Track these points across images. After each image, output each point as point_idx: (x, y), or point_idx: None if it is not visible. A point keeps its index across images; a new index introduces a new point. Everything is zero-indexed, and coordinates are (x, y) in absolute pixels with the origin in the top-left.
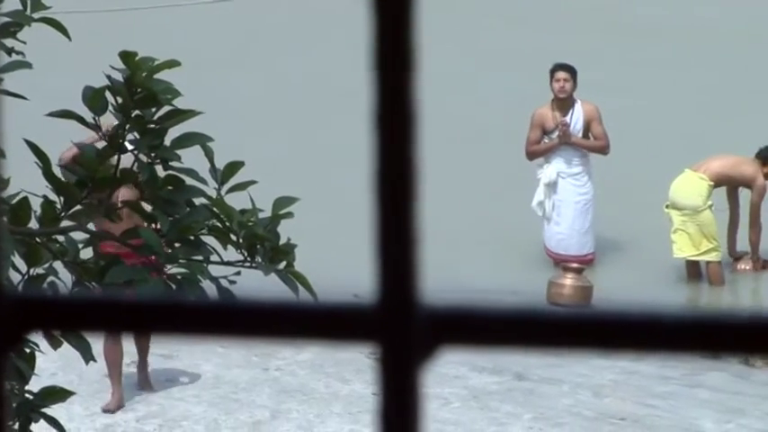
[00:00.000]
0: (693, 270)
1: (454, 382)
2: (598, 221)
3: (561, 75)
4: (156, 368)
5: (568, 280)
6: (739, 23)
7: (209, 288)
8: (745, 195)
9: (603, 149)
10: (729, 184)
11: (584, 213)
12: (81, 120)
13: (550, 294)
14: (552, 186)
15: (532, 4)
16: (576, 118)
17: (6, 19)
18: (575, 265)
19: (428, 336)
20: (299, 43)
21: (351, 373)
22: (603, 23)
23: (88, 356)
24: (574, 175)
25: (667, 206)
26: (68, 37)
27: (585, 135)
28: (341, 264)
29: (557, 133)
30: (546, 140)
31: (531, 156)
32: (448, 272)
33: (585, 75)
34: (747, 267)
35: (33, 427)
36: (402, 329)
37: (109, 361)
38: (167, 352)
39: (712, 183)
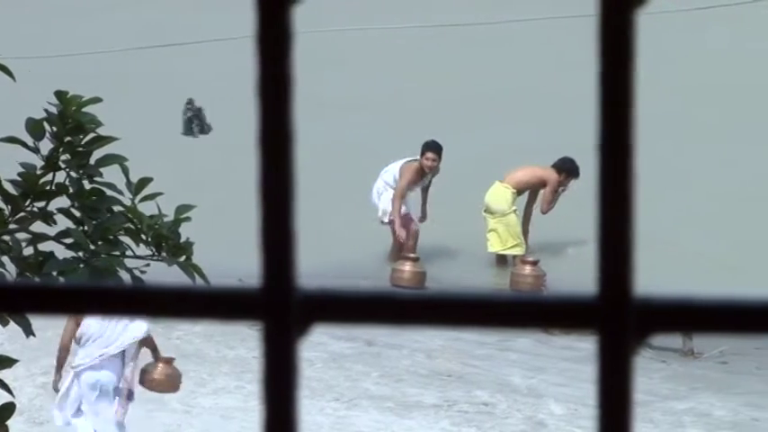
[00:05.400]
0: (501, 261)
1: (317, 347)
2: (431, 225)
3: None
4: None
5: (407, 266)
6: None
7: (125, 277)
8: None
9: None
10: (530, 189)
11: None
12: (23, 144)
13: (393, 278)
14: None
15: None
16: None
17: None
18: (412, 255)
19: (303, 314)
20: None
21: (236, 341)
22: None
23: (28, 331)
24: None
25: (485, 211)
26: (13, 78)
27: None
28: (229, 255)
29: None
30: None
31: None
32: (319, 260)
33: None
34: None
35: None
36: (282, 309)
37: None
38: None
39: (515, 191)
